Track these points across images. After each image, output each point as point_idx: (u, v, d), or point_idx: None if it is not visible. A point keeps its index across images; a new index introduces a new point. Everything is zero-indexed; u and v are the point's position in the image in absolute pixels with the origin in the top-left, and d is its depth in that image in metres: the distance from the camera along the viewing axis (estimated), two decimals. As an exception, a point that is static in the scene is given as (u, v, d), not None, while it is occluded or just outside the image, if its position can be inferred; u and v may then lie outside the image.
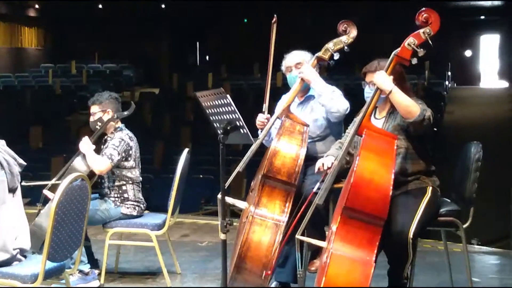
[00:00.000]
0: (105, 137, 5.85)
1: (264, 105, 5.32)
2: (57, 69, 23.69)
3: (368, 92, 4.58)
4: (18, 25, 25.28)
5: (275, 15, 5.26)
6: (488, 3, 24.55)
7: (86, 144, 5.68)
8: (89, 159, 5.63)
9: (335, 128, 5.26)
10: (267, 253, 4.69)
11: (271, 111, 5.34)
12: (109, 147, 5.67)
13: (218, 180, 10.89)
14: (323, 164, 4.58)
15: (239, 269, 4.71)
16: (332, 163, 4.51)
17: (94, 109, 5.84)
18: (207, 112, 4.75)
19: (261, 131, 5.25)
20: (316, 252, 5.06)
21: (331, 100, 5.06)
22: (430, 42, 4.35)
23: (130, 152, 5.75)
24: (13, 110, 16.91)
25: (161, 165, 12.76)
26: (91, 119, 5.85)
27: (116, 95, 5.91)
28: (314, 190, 4.46)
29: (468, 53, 26.40)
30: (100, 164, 5.60)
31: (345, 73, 17.68)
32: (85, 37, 24.83)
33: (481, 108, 18.61)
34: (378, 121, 4.55)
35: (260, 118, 5.26)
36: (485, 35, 26.78)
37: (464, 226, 4.55)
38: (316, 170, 4.64)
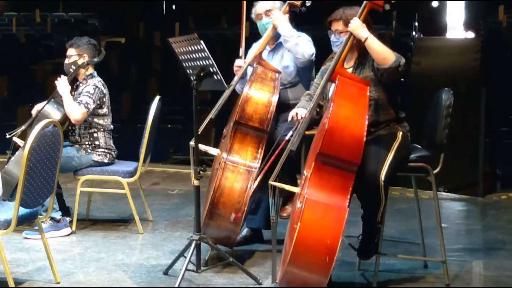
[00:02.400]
0: (77, 83, 5.79)
1: (240, 49, 5.30)
2: (21, 17, 23.23)
3: (334, 41, 4.58)
4: (-21, -27, 24.73)
5: None
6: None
7: (63, 85, 5.61)
8: (67, 104, 5.57)
9: (305, 75, 5.27)
10: (239, 199, 4.74)
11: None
12: (83, 95, 5.61)
13: (186, 129, 10.89)
14: (296, 113, 4.58)
15: (212, 215, 4.75)
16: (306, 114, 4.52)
17: (70, 51, 5.77)
18: (180, 58, 4.71)
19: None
20: (287, 199, 5.11)
21: (296, 45, 5.07)
22: (403, -13, 4.35)
23: (104, 99, 5.71)
24: (-23, 59, 16.61)
25: (128, 115, 12.69)
26: (66, 61, 5.79)
27: (95, 42, 5.85)
28: (287, 138, 4.48)
29: (435, 3, 26.44)
30: (77, 112, 5.55)
31: (312, 24, 17.60)
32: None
33: (447, 58, 18.69)
34: (347, 70, 4.55)
35: (238, 63, 5.24)
36: (452, -15, 26.83)
37: (435, 171, 4.60)
38: (289, 119, 4.65)
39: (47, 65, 16.45)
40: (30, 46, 18.95)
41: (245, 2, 5.29)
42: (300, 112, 4.57)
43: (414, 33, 21.01)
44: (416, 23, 21.93)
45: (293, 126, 4.52)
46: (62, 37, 16.83)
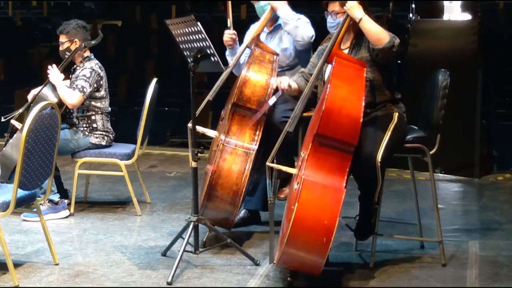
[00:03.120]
0: (74, 66, 5.79)
1: (228, 20, 5.29)
2: (17, 0, 23.14)
3: (330, 22, 4.60)
4: (-26, -44, 24.54)
5: None
6: None
7: (55, 75, 5.62)
8: (61, 92, 5.58)
9: (304, 57, 5.28)
10: (237, 180, 4.76)
11: (239, 39, 5.34)
12: (80, 79, 5.61)
13: (184, 112, 10.85)
14: (280, 82, 4.59)
15: (210, 197, 4.77)
16: (289, 84, 4.54)
17: (62, 38, 5.77)
18: (177, 40, 4.72)
19: (230, 49, 5.26)
20: (285, 180, 5.13)
21: (296, 28, 5.08)
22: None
23: (101, 82, 5.71)
24: (-28, 43, 16.55)
25: (125, 98, 12.67)
26: (60, 48, 5.79)
27: (84, 23, 5.82)
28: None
29: (432, -15, 26.32)
30: (72, 97, 5.56)
31: (309, 6, 17.58)
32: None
33: (445, 40, 18.63)
34: (343, 51, 4.56)
35: (227, 34, 5.25)
36: (449, -33, 26.69)
37: (431, 152, 4.62)
38: (274, 85, 4.66)
39: (43, 48, 16.38)
40: (26, 29, 18.87)
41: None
42: (283, 80, 4.59)
43: (411, 15, 20.94)
44: (413, 5, 21.86)
45: (292, 108, 4.53)
46: (59, 20, 16.69)
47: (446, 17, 26.25)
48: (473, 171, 7.52)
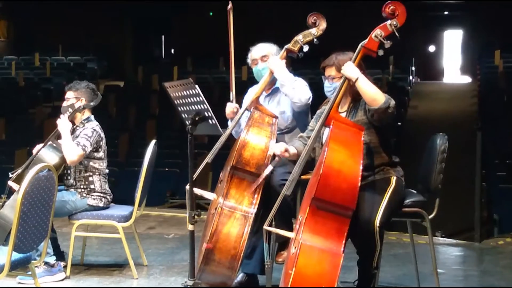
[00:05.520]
0: (74, 126, 5.80)
1: (231, 93, 5.33)
2: (21, 61, 23.34)
3: (327, 86, 4.63)
4: (-20, 17, 24.89)
5: (230, 2, 5.26)
6: (452, -1, 24.81)
7: (64, 124, 5.64)
8: (65, 143, 5.59)
9: (302, 120, 5.29)
10: (235, 244, 4.70)
11: (238, 101, 5.36)
12: (81, 137, 5.63)
13: (184, 173, 10.86)
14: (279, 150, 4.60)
15: (207, 261, 4.72)
16: (286, 149, 4.55)
17: (69, 94, 5.82)
18: (175, 103, 4.73)
19: (231, 121, 5.27)
20: (283, 244, 5.08)
21: (293, 89, 5.09)
22: (396, 34, 4.41)
23: (101, 143, 5.73)
24: (-24, 102, 16.65)
25: (126, 158, 12.69)
26: (64, 103, 5.83)
27: (93, 87, 5.89)
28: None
29: (431, 48, 26.60)
30: (73, 152, 5.55)
31: (310, 67, 17.73)
32: (49, 29, 24.50)
33: (444, 103, 18.77)
34: (341, 114, 4.58)
35: (230, 107, 5.27)
36: (448, 30, 27.01)
37: (430, 216, 4.60)
38: (270, 153, 4.65)
39: (45, 108, 16.51)
40: (29, 89, 19.04)
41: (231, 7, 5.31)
42: (279, 146, 4.61)
43: (411, 77, 21.12)
44: (413, 68, 22.07)
45: (290, 171, 4.52)
46: (61, 81, 16.86)
47: (446, 79, 26.48)
48: (473, 235, 7.47)
